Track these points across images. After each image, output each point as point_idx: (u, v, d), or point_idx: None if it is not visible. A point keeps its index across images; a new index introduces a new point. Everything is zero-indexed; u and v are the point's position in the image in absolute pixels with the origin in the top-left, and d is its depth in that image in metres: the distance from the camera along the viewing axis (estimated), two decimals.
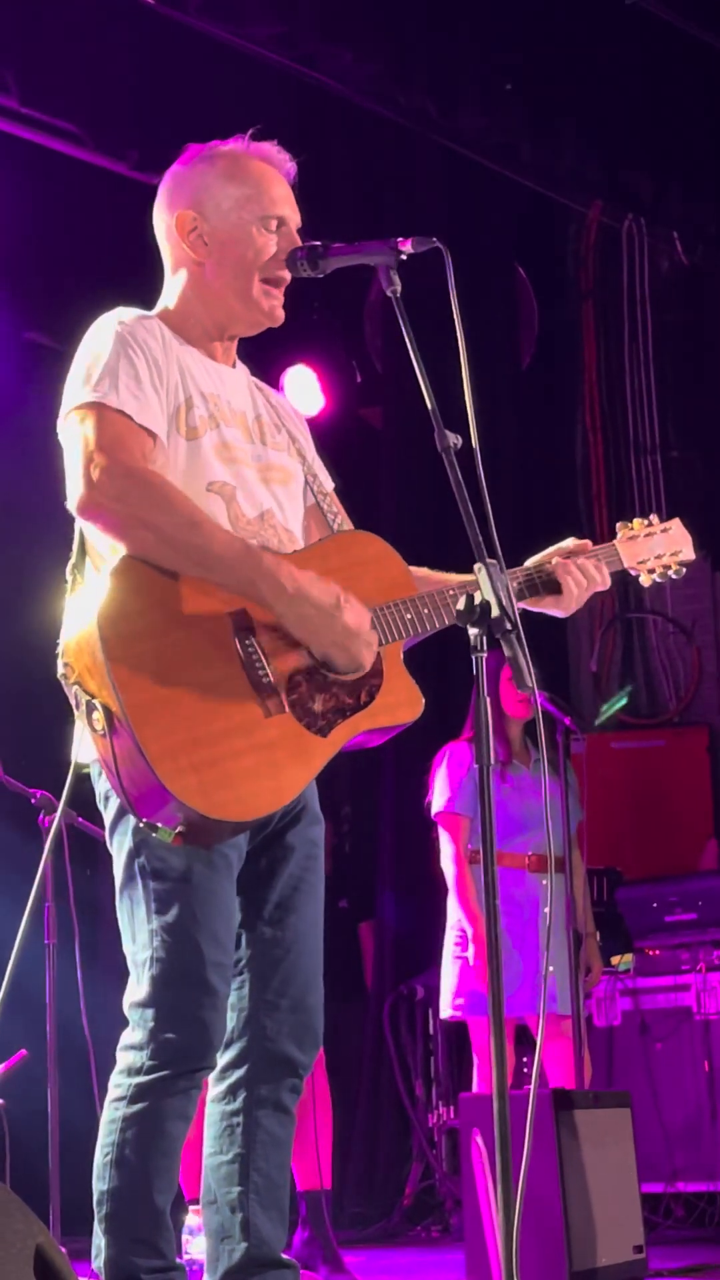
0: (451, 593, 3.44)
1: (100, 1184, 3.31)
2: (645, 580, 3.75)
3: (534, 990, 6.09)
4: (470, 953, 6.20)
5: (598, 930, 6.79)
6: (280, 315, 3.57)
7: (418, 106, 7.72)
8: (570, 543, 3.68)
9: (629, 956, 7.36)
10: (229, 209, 3.49)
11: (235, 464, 3.44)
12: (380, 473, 8.93)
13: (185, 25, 7.14)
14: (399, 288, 3.32)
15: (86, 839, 5.86)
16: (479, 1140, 5.11)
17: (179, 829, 3.18)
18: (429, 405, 3.20)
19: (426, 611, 3.41)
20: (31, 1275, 2.26)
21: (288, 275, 3.53)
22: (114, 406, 3.28)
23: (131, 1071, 3.30)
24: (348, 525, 3.62)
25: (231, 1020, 3.43)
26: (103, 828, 3.47)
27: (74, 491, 3.28)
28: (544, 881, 6.16)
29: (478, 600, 3.08)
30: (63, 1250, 2.36)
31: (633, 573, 3.75)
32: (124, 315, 3.44)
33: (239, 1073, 3.44)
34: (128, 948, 3.36)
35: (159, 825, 3.20)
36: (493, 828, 3.05)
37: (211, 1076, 3.45)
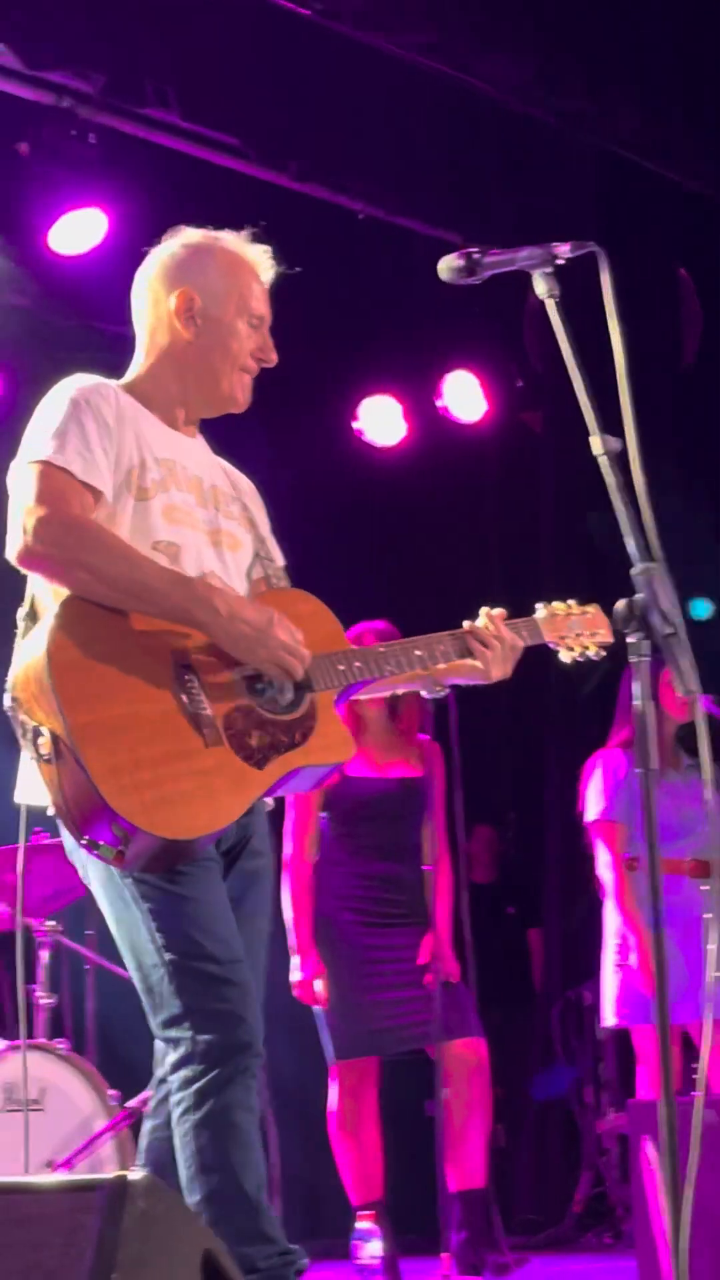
0: (382, 650, 3.71)
1: (192, 1196, 3.39)
2: (565, 656, 4.03)
3: (697, 997, 6.02)
4: (632, 959, 6.16)
5: None
6: (245, 401, 3.81)
7: (573, 109, 7.69)
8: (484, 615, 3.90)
9: None
10: (224, 300, 3.76)
11: (181, 526, 3.62)
12: (541, 476, 8.92)
13: (341, 35, 7.17)
14: (556, 292, 3.33)
15: None
16: (648, 1147, 5.07)
17: (120, 848, 3.31)
18: (586, 409, 3.20)
19: (358, 665, 3.65)
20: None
21: (255, 370, 3.80)
22: (59, 464, 3.47)
23: (188, 1083, 3.41)
24: None
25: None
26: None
27: (13, 541, 3.47)
28: (704, 887, 6.09)
29: (637, 604, 3.07)
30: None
31: (552, 646, 4.00)
32: (81, 382, 3.64)
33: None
34: (136, 975, 3.50)
35: (100, 843, 3.33)
36: (656, 834, 3.03)
37: (152, 1098, 3.61)
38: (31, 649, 3.39)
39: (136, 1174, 2.20)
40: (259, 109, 7.16)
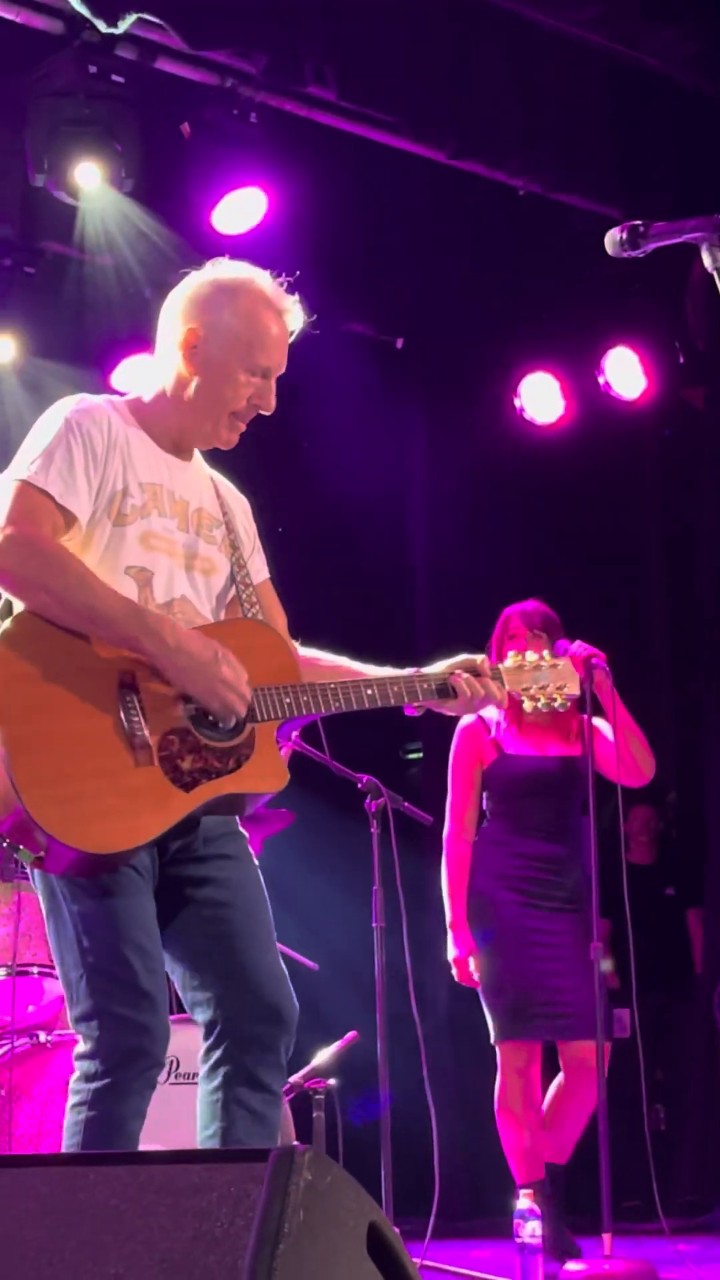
0: (332, 687, 3.79)
1: None
2: (528, 705, 4.08)
3: None
4: None
5: None
6: (231, 443, 3.88)
7: None
8: (461, 659, 3.98)
9: None
10: (228, 345, 3.80)
11: (156, 552, 3.76)
12: (704, 453, 8.83)
13: (502, 9, 7.12)
14: None
15: (414, 824, 5.92)
16: None
17: (40, 853, 3.52)
18: None
19: (305, 699, 3.75)
20: (365, 1254, 2.28)
21: (250, 415, 3.85)
22: (39, 485, 3.63)
23: (88, 1078, 3.59)
24: (262, 616, 3.91)
25: (208, 1011, 3.71)
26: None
27: None
28: None
29: None
30: (395, 1230, 2.38)
31: (514, 696, 4.08)
32: (79, 404, 3.79)
33: (217, 1053, 3.71)
34: (60, 970, 3.67)
35: (20, 847, 3.54)
36: None
37: (199, 1058, 3.76)
38: None
39: (304, 1146, 2.21)
40: (417, 86, 7.14)
